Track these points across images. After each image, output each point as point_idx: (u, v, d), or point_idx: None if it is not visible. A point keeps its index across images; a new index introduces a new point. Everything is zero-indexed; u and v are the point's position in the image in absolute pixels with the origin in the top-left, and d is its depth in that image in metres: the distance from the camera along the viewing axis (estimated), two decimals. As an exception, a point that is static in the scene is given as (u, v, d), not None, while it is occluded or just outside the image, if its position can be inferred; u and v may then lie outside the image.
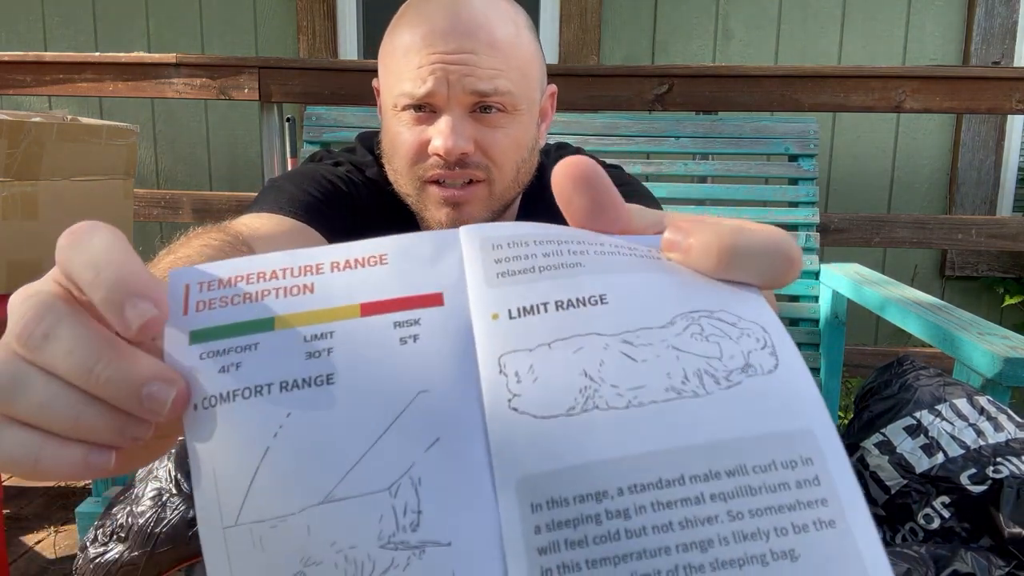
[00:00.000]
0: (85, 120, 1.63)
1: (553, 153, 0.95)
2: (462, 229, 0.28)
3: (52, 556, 1.76)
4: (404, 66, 0.74)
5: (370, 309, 0.26)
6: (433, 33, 0.72)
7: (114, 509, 0.79)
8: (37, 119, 1.49)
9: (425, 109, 0.75)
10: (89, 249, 0.25)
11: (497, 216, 0.81)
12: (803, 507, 0.22)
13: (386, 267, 0.27)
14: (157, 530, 0.75)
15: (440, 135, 0.73)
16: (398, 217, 0.86)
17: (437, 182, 0.77)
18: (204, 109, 2.74)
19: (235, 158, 2.76)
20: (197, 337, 0.26)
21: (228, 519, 0.24)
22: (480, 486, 0.24)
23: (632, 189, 0.87)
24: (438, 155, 0.74)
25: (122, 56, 1.96)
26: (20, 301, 0.26)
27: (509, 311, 0.26)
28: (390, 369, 0.25)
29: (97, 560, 0.76)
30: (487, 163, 0.76)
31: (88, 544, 0.78)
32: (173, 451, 0.80)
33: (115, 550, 0.76)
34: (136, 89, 1.97)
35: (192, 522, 0.75)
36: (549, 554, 0.22)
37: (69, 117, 1.58)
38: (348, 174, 0.86)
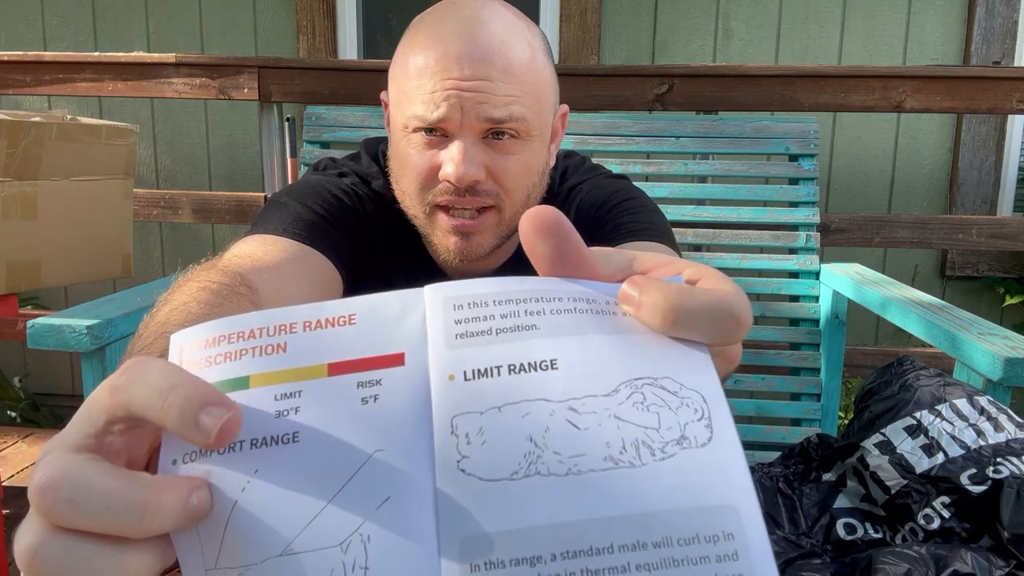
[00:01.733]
0: (85, 120, 1.63)
1: (560, 163, 0.93)
2: (427, 289, 0.29)
3: (52, 556, 1.76)
4: (417, 88, 0.72)
5: (336, 369, 0.27)
6: (448, 57, 0.71)
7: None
8: (37, 119, 1.49)
9: (437, 133, 0.73)
10: (148, 380, 0.25)
11: (505, 240, 0.80)
12: None
13: (354, 327, 0.28)
14: (157, 530, 0.75)
15: (452, 162, 0.72)
16: (404, 232, 0.84)
17: (446, 209, 0.76)
18: (204, 109, 2.73)
19: (235, 158, 2.76)
20: None
21: (209, 562, 0.25)
22: (425, 544, 0.25)
23: (639, 203, 0.85)
24: (449, 181, 0.73)
25: (122, 56, 1.96)
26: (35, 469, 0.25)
27: (465, 373, 0.27)
28: (350, 429, 0.26)
29: (97, 560, 0.76)
30: (497, 190, 0.75)
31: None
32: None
33: (115, 550, 0.76)
34: (136, 89, 1.97)
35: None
36: None
37: (69, 117, 1.58)
38: (353, 187, 0.84)
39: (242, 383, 0.27)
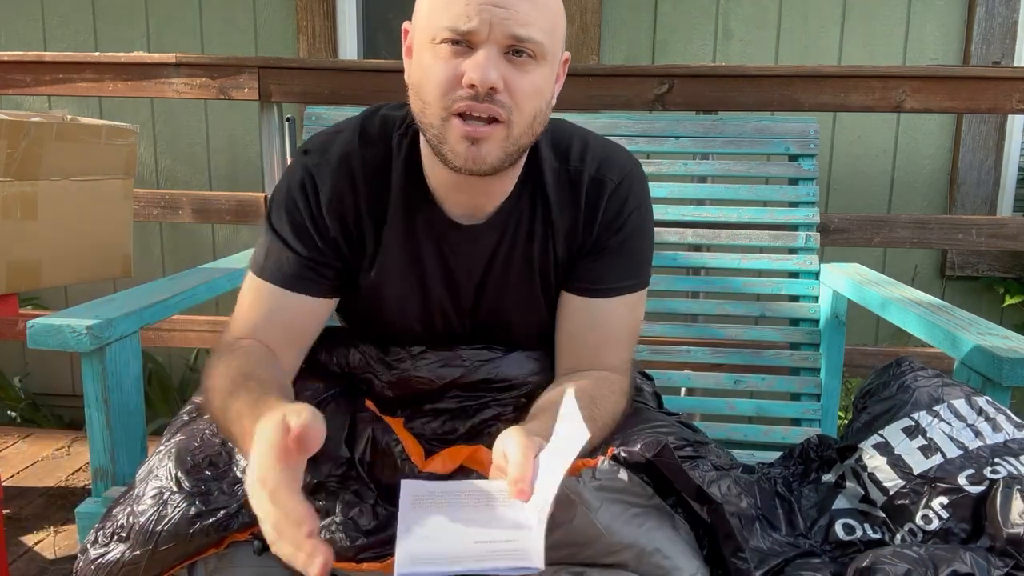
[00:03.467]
0: (85, 120, 1.63)
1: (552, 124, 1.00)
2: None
3: (52, 556, 1.76)
4: (450, 3, 0.81)
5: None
6: None
7: (114, 511, 0.79)
8: (37, 119, 1.49)
9: (463, 44, 0.81)
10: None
11: (510, 159, 0.86)
12: None
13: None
14: (159, 528, 0.75)
15: (477, 67, 0.79)
16: (379, 180, 0.93)
17: (461, 116, 0.82)
18: (204, 109, 2.74)
19: (235, 158, 2.76)
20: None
21: None
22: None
23: (642, 240, 0.97)
24: (471, 86, 0.80)
25: (122, 56, 1.96)
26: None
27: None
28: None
29: (99, 561, 0.76)
30: (510, 104, 0.82)
31: (89, 546, 0.79)
32: (173, 450, 0.81)
33: (116, 550, 0.76)
34: (136, 89, 1.98)
35: (194, 519, 0.75)
36: None
37: (69, 117, 1.58)
38: (310, 170, 0.92)
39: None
